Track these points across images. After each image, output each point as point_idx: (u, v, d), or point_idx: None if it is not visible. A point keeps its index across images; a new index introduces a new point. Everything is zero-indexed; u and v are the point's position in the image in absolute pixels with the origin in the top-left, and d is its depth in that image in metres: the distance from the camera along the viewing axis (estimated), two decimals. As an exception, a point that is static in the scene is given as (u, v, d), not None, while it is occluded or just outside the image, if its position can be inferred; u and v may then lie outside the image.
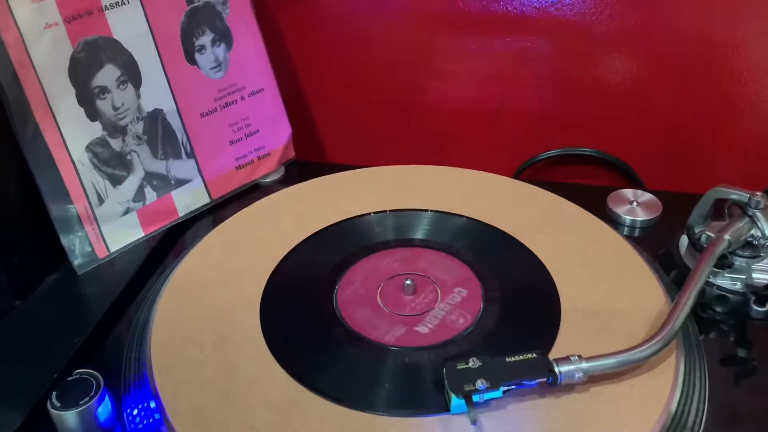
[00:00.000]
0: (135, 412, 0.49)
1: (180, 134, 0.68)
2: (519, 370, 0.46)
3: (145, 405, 0.49)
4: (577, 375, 0.46)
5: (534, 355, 0.47)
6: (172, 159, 0.68)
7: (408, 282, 0.56)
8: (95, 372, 0.48)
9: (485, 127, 0.82)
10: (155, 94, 0.66)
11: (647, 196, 0.69)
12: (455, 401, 0.45)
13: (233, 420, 0.46)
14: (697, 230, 0.60)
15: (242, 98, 0.73)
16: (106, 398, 0.48)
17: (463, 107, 0.82)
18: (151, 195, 0.67)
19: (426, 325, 0.53)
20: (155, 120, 0.66)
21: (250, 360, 0.51)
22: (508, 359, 0.46)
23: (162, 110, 0.67)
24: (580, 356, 0.47)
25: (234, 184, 0.73)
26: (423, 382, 0.49)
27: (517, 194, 0.68)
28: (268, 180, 0.76)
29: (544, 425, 0.45)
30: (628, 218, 0.67)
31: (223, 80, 0.71)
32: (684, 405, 0.47)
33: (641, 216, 0.67)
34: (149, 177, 0.67)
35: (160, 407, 0.48)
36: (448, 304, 0.55)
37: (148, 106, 0.66)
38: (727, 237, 0.56)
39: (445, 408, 0.46)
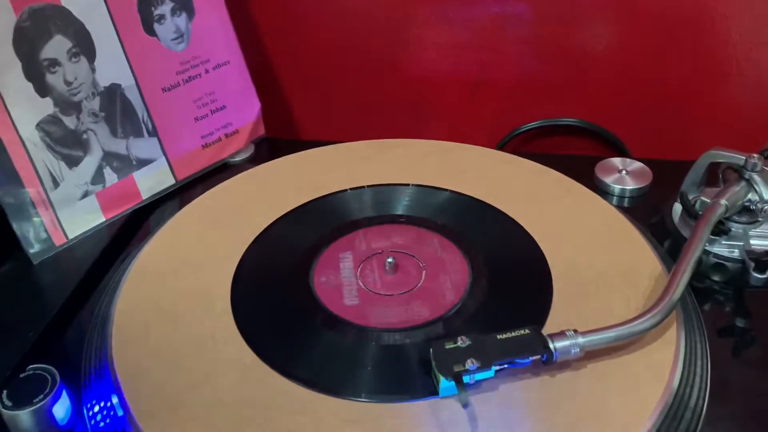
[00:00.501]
0: (96, 408, 0.45)
1: (140, 111, 0.64)
2: (511, 347, 0.42)
3: (107, 401, 0.45)
4: (573, 351, 0.43)
5: (527, 331, 0.43)
6: (133, 138, 0.64)
7: (389, 260, 0.52)
8: (50, 367, 0.44)
9: (465, 98, 0.79)
10: (111, 68, 0.61)
11: (636, 165, 0.66)
12: (444, 383, 0.41)
13: (205, 416, 0.42)
14: (691, 197, 0.58)
15: (206, 72, 0.68)
16: (64, 395, 0.44)
17: (442, 78, 0.78)
18: (111, 177, 0.62)
19: (409, 305, 0.50)
20: (113, 96, 0.62)
21: (222, 350, 0.47)
22: (499, 336, 0.43)
23: (120, 85, 0.62)
24: (575, 331, 0.43)
25: (201, 163, 0.69)
26: (408, 364, 0.45)
27: (502, 166, 0.64)
28: (237, 159, 0.72)
29: (539, 406, 0.42)
30: (617, 187, 0.64)
31: (185, 52, 0.66)
32: (686, 381, 0.44)
33: (631, 185, 0.64)
34: (108, 157, 0.62)
35: (123, 403, 0.44)
36: (433, 281, 0.52)
37: (104, 81, 0.61)
38: (723, 202, 0.53)
39: (433, 391, 0.43)
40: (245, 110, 0.72)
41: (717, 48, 0.71)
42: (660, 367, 0.44)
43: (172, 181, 0.67)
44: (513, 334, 0.43)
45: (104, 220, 0.62)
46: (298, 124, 0.83)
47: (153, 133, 0.65)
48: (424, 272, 0.53)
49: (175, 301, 0.51)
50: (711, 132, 0.75)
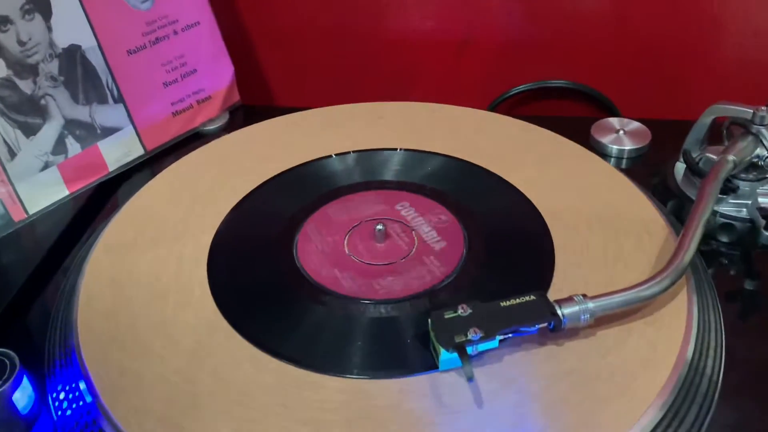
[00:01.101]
0: (62, 395, 0.41)
1: (104, 75, 0.59)
2: (516, 315, 0.39)
3: (74, 386, 0.41)
4: (582, 317, 0.40)
5: (532, 297, 0.40)
6: (97, 104, 0.59)
7: (379, 227, 0.48)
8: (9, 351, 0.40)
9: (451, 61, 0.75)
10: (70, 27, 0.56)
11: (634, 125, 0.63)
12: (444, 356, 0.38)
13: (182, 402, 0.38)
14: (694, 155, 0.55)
15: (175, 33, 0.63)
16: (25, 381, 0.39)
17: (427, 39, 0.74)
18: (74, 147, 0.58)
19: (402, 275, 0.46)
20: (72, 58, 0.57)
21: (198, 329, 0.43)
22: (502, 304, 0.40)
23: (80, 46, 0.57)
24: (584, 296, 0.40)
25: (171, 132, 0.64)
26: (402, 338, 0.42)
27: (494, 127, 0.61)
28: (210, 127, 0.67)
29: (546, 377, 0.39)
30: (614, 148, 0.60)
31: (151, 12, 0.61)
32: (701, 349, 0.41)
33: (629, 145, 0.61)
34: (70, 125, 0.57)
35: (90, 388, 0.40)
36: (427, 249, 0.48)
37: (62, 42, 0.56)
38: (731, 158, 0.50)
39: (433, 365, 0.39)
40: (218, 75, 0.67)
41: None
42: (672, 335, 0.41)
43: (141, 152, 0.63)
44: (517, 300, 0.40)
45: (68, 193, 0.58)
46: (275, 90, 0.79)
47: (119, 99, 0.60)
48: (416, 240, 0.49)
49: (147, 279, 0.47)
50: (708, 89, 0.72)
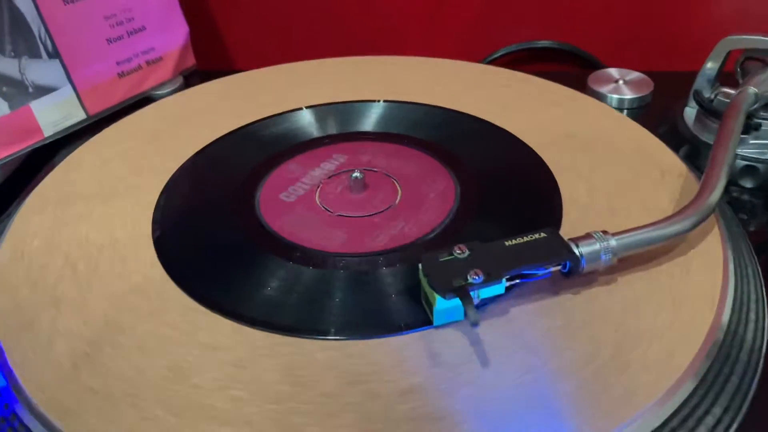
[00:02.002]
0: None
1: (36, 25, 0.52)
2: (525, 254, 0.32)
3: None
4: (603, 256, 0.33)
5: (543, 234, 0.33)
6: (27, 58, 0.51)
7: (356, 174, 0.41)
8: None
9: (429, 20, 0.69)
10: (-7, -33, 0.49)
11: (635, 74, 0.57)
12: (440, 304, 0.31)
13: (124, 391, 0.31)
14: (706, 95, 0.49)
15: (120, -17, 0.56)
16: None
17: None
18: (1, 105, 0.50)
19: (385, 227, 0.39)
20: (-3, 3, 0.50)
21: (142, 300, 0.35)
22: (507, 243, 0.33)
23: (5, -10, 0.50)
24: (604, 232, 0.34)
25: (117, 95, 0.57)
26: (387, 294, 0.35)
27: (481, 78, 0.55)
28: (162, 92, 0.60)
29: (559, 335, 0.32)
30: (614, 97, 0.54)
31: (90, -43, 0.54)
32: (740, 310, 0.35)
33: (629, 94, 0.55)
34: (-5, 80, 0.50)
35: (5, 371, 0.32)
36: (411, 199, 0.41)
37: (-16, -17, 0.49)
38: (752, 90, 0.44)
39: (425, 320, 0.32)
40: (170, 34, 0.60)
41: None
42: (707, 288, 0.34)
43: (83, 116, 0.55)
44: (525, 239, 0.33)
45: (-6, 160, 0.50)
46: (237, 53, 0.72)
47: (54, 54, 0.53)
48: (399, 190, 0.42)
49: (76, 241, 0.39)
50: (703, 42, 0.66)
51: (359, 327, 0.32)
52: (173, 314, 0.34)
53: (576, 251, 0.32)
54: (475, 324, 0.29)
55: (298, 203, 0.41)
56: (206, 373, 0.30)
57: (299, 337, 0.32)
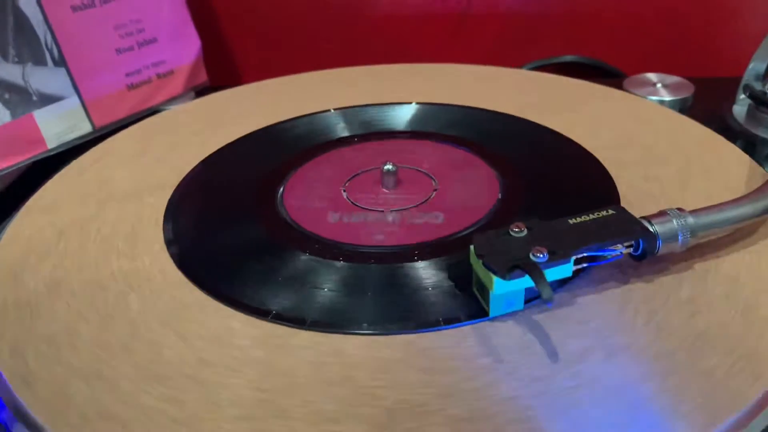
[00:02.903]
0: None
1: (42, 31, 0.49)
2: (593, 233, 0.28)
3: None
4: (681, 235, 0.29)
5: (611, 211, 0.29)
6: (32, 65, 0.48)
7: (388, 167, 0.38)
8: None
9: (449, 36, 0.66)
10: (-1, -31, 0.47)
11: (674, 78, 0.54)
12: (498, 289, 0.27)
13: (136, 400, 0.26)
14: (758, 87, 0.46)
15: (130, -8, 0.54)
16: None
17: (421, 13, 0.65)
18: (1, 113, 0.47)
19: (419, 221, 0.35)
20: (2, 6, 0.47)
21: (160, 306, 0.31)
22: (571, 221, 0.29)
23: (11, -7, 0.47)
24: (680, 209, 0.29)
25: (126, 108, 0.54)
26: (423, 289, 0.30)
27: (516, 81, 0.51)
28: (173, 107, 0.57)
29: (634, 327, 0.27)
30: (654, 99, 0.51)
31: (101, -36, 0.52)
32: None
33: (669, 97, 0.51)
34: (-3, 86, 0.47)
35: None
36: (448, 193, 0.37)
37: (-12, -16, 0.46)
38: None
39: (479, 312, 0.28)
40: (182, 47, 0.58)
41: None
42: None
43: (89, 128, 0.52)
44: (591, 216, 0.29)
45: (-7, 171, 0.46)
46: (251, 71, 0.69)
47: (60, 62, 0.50)
48: (435, 184, 0.38)
49: (79, 242, 0.35)
50: (737, 49, 0.64)
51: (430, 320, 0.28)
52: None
53: (652, 228, 0.28)
54: (548, 301, 0.24)
55: (326, 199, 0.37)
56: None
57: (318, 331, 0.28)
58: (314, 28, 0.66)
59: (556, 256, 0.27)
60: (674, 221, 0.29)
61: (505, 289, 0.27)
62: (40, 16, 0.49)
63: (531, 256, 0.27)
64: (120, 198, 0.38)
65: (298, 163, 0.41)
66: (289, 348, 0.27)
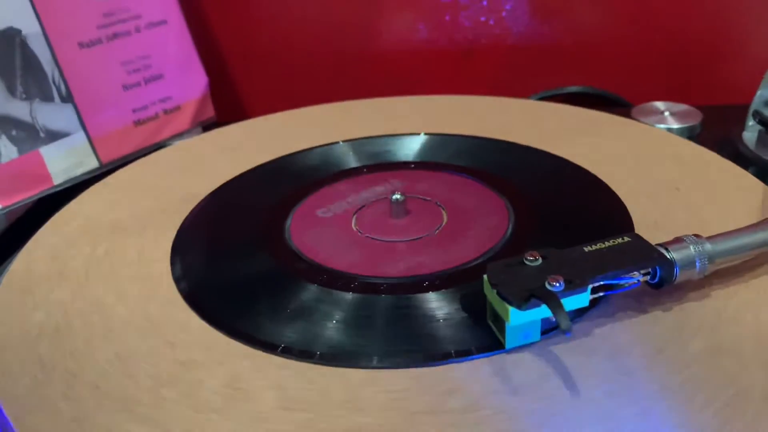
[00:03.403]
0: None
1: (50, 68, 0.49)
2: (610, 261, 0.27)
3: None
4: (698, 262, 0.28)
5: (626, 238, 0.29)
6: (40, 101, 0.49)
7: (396, 196, 0.37)
8: None
9: (456, 70, 0.67)
10: (8, 7, 0.47)
11: (681, 107, 0.54)
12: (514, 320, 0.26)
13: None
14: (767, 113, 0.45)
15: (137, 30, 0.54)
16: None
17: (427, 48, 0.66)
18: (8, 149, 0.47)
19: (430, 251, 0.34)
20: (10, 42, 0.47)
21: (173, 346, 0.30)
22: (587, 248, 0.28)
23: (20, 31, 0.48)
24: (697, 235, 0.29)
25: (132, 144, 0.54)
26: (432, 321, 0.29)
27: (525, 111, 0.51)
28: (179, 142, 0.57)
29: (651, 355, 0.26)
30: (661, 127, 0.51)
31: (109, 2, 0.53)
32: None
33: (678, 125, 0.51)
34: (4, 123, 0.47)
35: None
36: (459, 224, 0.37)
37: (-3, 22, 0.47)
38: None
39: (492, 344, 0.27)
40: (189, 83, 0.58)
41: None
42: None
43: (95, 164, 0.52)
44: (607, 243, 0.28)
45: (0, 207, 0.46)
46: (257, 107, 0.69)
47: (67, 98, 0.50)
48: (445, 213, 0.38)
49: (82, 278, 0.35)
50: (745, 79, 0.64)
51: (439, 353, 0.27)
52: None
53: (669, 256, 0.28)
54: (567, 331, 0.24)
55: (333, 230, 0.37)
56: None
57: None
58: (321, 64, 0.67)
59: (573, 285, 0.26)
60: (691, 248, 0.28)
61: (521, 320, 0.26)
62: (47, 53, 0.49)
63: (547, 285, 0.26)
64: (124, 232, 0.38)
65: (306, 195, 0.40)
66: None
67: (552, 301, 0.24)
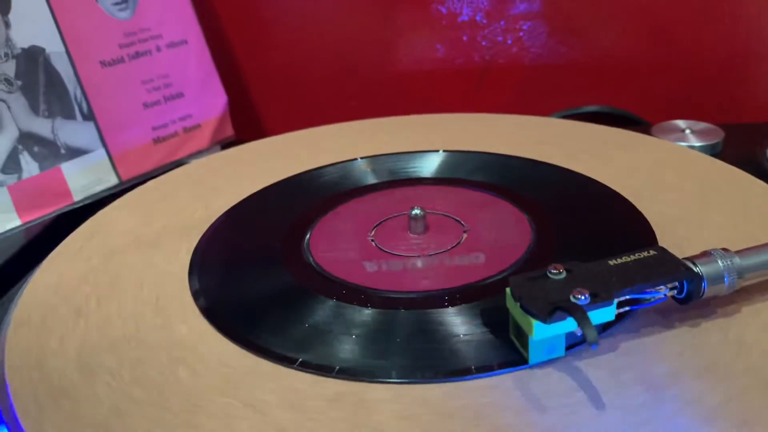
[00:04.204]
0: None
1: (72, 86, 0.50)
2: (635, 274, 0.27)
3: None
4: (727, 277, 0.27)
5: (652, 252, 0.28)
6: (62, 119, 0.49)
7: (416, 211, 0.37)
8: None
9: (472, 89, 0.67)
10: (33, 26, 0.48)
11: (702, 125, 0.53)
12: (538, 334, 0.25)
13: None
14: (792, 131, 0.45)
15: (158, 49, 0.55)
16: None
17: (444, 68, 0.66)
18: (30, 166, 0.47)
19: (450, 266, 0.34)
20: (34, 61, 0.48)
21: (188, 363, 0.30)
22: (611, 262, 0.28)
23: (44, 49, 0.48)
24: (725, 249, 0.28)
25: (152, 162, 0.54)
26: (451, 335, 0.29)
27: (544, 129, 0.51)
28: (198, 160, 0.57)
29: (680, 372, 0.26)
30: (683, 145, 0.50)
31: (131, 22, 0.53)
32: None
33: (699, 143, 0.51)
34: (27, 139, 0.47)
35: None
36: (479, 239, 0.36)
37: (22, 41, 0.47)
38: None
39: (516, 360, 0.27)
40: (208, 102, 0.58)
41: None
42: None
43: (115, 181, 0.52)
44: (633, 257, 0.28)
45: (20, 223, 0.46)
46: (276, 125, 0.69)
47: (89, 116, 0.51)
48: (465, 228, 0.37)
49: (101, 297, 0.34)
50: (761, 93, 0.63)
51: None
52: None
53: (697, 270, 0.27)
54: (594, 344, 0.23)
55: (354, 243, 0.36)
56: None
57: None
58: (339, 84, 0.67)
59: (599, 299, 0.25)
60: (719, 261, 0.27)
61: (545, 334, 0.25)
62: (70, 72, 0.50)
63: (572, 298, 0.25)
64: (139, 249, 0.38)
65: (325, 210, 0.40)
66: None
67: (578, 313, 0.24)
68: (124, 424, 0.25)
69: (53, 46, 0.49)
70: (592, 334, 0.23)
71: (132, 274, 0.35)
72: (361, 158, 0.47)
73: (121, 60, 0.53)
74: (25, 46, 0.47)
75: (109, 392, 0.27)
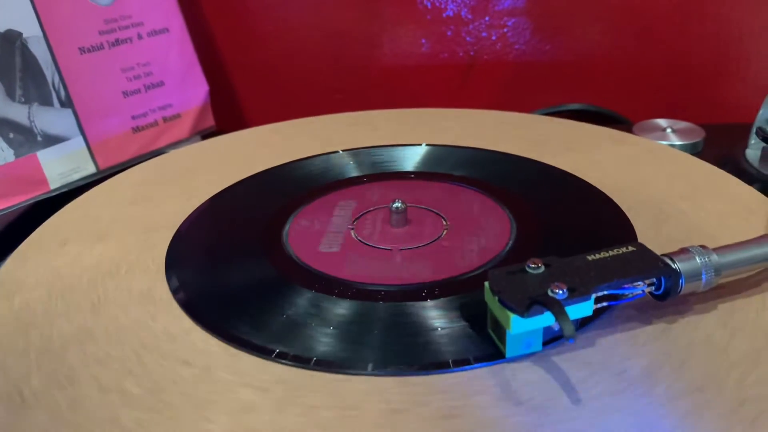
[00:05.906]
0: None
1: (49, 72, 0.49)
2: (613, 270, 0.27)
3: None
4: (705, 274, 0.28)
5: (631, 248, 0.28)
6: (39, 105, 0.48)
7: (397, 204, 0.37)
8: None
9: (456, 85, 0.67)
10: (10, 10, 0.47)
11: (684, 124, 0.53)
12: (516, 328, 0.25)
13: None
14: (771, 131, 0.45)
15: (139, 37, 0.54)
16: None
17: (428, 63, 0.66)
18: (5, 152, 0.46)
19: (430, 259, 0.34)
20: (10, 45, 0.47)
21: (170, 358, 0.30)
22: (590, 258, 0.27)
23: (21, 33, 0.48)
24: (704, 247, 0.28)
25: (130, 151, 0.54)
26: (429, 329, 0.29)
27: (527, 125, 0.51)
28: (177, 150, 0.56)
29: (657, 368, 0.26)
30: (664, 143, 0.51)
31: (111, 9, 0.53)
32: None
33: (680, 141, 0.51)
34: (2, 125, 0.46)
35: None
36: (461, 233, 0.36)
37: (-2, 25, 0.46)
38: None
39: (493, 354, 0.27)
40: (189, 91, 0.58)
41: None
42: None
43: (93, 170, 0.51)
44: (611, 252, 0.28)
45: (-7, 210, 0.46)
46: (257, 117, 0.69)
47: (66, 103, 0.50)
48: (446, 224, 0.37)
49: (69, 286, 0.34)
50: (742, 94, 0.64)
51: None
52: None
53: (675, 266, 0.27)
54: (571, 338, 0.23)
55: (334, 235, 0.36)
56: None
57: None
58: (322, 77, 0.67)
59: (576, 293, 0.25)
60: (697, 258, 0.28)
61: (522, 328, 0.25)
62: (48, 57, 0.49)
63: (549, 293, 0.25)
64: (119, 239, 0.37)
65: (304, 203, 0.40)
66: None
67: (555, 307, 0.24)
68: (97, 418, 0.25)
69: (31, 31, 0.48)
70: (569, 328, 0.23)
71: (108, 264, 0.35)
72: (343, 150, 0.46)
73: (101, 47, 0.52)
74: (2, 30, 0.47)
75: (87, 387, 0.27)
